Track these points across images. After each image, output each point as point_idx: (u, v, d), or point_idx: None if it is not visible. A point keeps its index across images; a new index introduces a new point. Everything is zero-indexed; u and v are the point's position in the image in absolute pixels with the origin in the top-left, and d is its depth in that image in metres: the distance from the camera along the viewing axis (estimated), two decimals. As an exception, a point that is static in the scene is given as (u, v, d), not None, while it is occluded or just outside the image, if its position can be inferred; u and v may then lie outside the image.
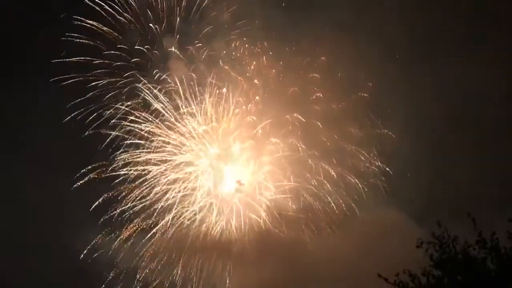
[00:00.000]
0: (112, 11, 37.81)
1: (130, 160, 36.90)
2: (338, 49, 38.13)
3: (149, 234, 36.77)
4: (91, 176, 36.93)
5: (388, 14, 40.22)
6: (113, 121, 37.13)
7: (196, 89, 37.57)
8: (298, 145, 37.76)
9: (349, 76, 39.50)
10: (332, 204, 37.31)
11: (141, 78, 37.23)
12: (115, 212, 36.87)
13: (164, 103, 37.31)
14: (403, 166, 40.07)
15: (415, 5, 41.06)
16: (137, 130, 36.97)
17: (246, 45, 38.32)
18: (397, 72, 40.22)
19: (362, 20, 39.63)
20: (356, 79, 39.69)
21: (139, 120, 37.10)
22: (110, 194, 37.10)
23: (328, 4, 39.42)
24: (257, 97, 37.89)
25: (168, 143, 37.18)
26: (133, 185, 36.94)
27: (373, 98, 39.84)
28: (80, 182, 36.94)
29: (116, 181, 37.13)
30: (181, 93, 37.47)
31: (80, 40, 37.43)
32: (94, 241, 36.98)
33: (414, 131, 40.08)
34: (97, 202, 37.19)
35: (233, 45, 38.11)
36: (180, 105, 37.48)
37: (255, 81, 38.21)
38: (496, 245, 11.41)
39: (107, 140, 37.24)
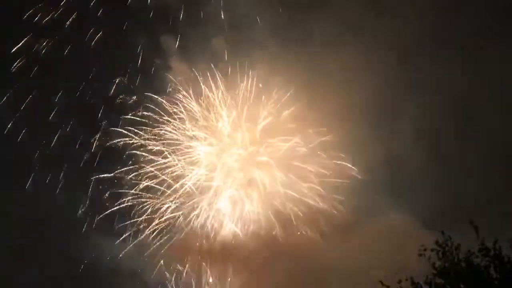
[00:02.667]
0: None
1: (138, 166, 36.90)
2: (348, 51, 37.72)
3: (150, 235, 36.57)
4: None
5: (399, 15, 39.91)
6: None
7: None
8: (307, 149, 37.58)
9: (359, 78, 38.95)
10: (338, 209, 37.16)
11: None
12: (120, 216, 36.69)
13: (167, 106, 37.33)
14: (413, 171, 39.83)
15: (426, 6, 40.52)
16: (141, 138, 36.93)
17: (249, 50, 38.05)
18: (409, 75, 40.10)
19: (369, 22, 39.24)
20: (366, 82, 39.15)
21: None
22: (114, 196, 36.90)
23: (337, 4, 39.23)
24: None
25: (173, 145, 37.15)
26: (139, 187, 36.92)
27: (383, 101, 39.50)
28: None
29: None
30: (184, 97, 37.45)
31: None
32: (97, 244, 36.82)
33: (425, 135, 39.80)
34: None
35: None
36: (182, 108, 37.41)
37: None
38: (499, 253, 11.37)
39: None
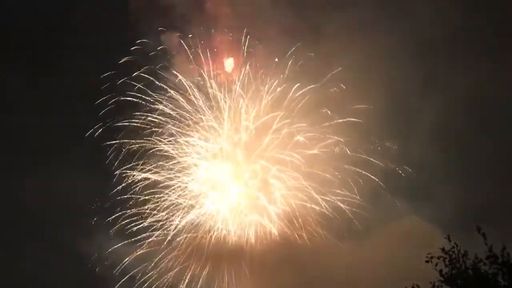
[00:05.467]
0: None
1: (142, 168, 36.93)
2: (362, 52, 37.20)
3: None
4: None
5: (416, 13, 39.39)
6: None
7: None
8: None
9: (373, 79, 38.43)
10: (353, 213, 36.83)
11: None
12: (126, 217, 36.78)
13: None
14: (429, 174, 39.39)
15: (446, 4, 39.77)
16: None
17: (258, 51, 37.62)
18: (424, 75, 39.61)
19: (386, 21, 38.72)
20: (380, 82, 38.60)
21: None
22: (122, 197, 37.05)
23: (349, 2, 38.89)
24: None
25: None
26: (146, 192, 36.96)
27: (399, 104, 39.01)
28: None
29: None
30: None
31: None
32: (104, 247, 37.02)
33: (442, 139, 39.22)
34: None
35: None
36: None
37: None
38: (508, 261, 11.22)
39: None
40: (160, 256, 36.56)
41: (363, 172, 36.91)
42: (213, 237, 36.30)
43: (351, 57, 37.18)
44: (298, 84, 37.19)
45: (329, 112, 37.34)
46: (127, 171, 36.71)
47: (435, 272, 11.87)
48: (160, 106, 37.21)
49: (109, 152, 37.12)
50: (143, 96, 37.25)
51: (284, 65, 37.55)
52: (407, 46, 38.84)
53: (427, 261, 11.71)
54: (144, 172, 36.71)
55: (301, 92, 37.21)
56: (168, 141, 37.01)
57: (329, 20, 38.29)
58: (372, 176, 36.87)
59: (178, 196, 36.63)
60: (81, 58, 39.71)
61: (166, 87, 37.28)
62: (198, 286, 36.16)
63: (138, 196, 36.71)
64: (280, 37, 37.95)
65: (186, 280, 36.22)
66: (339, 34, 37.16)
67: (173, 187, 36.74)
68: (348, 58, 37.26)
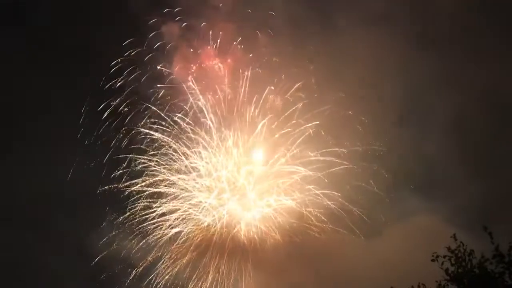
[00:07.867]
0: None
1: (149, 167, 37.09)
2: (373, 43, 36.89)
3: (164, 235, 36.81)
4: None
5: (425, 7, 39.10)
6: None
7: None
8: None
9: (385, 72, 38.07)
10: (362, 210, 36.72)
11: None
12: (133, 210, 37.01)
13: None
14: (443, 170, 39.20)
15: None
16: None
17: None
18: (438, 69, 39.30)
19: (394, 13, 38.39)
20: (393, 76, 38.28)
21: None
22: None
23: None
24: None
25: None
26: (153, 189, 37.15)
27: (410, 99, 38.78)
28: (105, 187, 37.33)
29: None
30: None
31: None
32: (109, 240, 37.35)
33: (453, 135, 38.97)
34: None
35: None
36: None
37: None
38: (515, 260, 11.17)
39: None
40: (166, 255, 36.82)
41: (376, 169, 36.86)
42: (218, 234, 36.50)
43: (363, 52, 36.97)
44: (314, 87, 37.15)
45: (350, 112, 37.02)
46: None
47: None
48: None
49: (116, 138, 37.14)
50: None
51: (295, 64, 37.27)
52: (422, 40, 38.61)
53: (432, 260, 11.73)
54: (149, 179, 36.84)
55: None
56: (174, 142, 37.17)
57: (339, 8, 38.11)
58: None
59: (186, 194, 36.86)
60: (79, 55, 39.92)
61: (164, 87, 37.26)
62: (207, 285, 36.37)
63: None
64: (289, 31, 37.65)
65: (194, 279, 36.46)
66: (351, 28, 37.03)
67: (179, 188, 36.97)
68: (360, 54, 37.05)
